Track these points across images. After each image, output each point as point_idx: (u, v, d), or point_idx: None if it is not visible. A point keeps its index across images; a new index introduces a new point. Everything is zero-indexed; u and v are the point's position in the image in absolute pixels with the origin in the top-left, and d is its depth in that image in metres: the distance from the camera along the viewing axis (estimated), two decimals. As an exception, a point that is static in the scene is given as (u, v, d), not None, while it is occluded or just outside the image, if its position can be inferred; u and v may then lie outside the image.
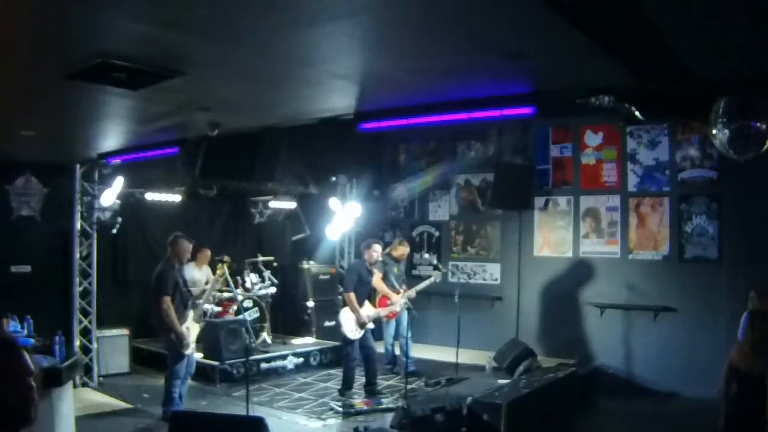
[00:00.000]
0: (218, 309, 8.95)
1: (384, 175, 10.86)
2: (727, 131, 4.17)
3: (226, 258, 6.91)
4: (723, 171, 7.85)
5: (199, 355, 8.40)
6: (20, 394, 1.73)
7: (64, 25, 3.32)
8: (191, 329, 6.47)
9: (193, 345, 6.51)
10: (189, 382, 7.86)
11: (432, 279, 8.51)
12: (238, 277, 9.31)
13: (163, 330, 6.45)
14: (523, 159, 9.41)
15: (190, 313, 6.52)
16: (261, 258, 9.84)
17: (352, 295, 7.43)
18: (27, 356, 1.79)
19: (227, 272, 6.69)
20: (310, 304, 10.14)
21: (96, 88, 4.46)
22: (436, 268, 9.08)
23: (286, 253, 11.07)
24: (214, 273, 9.05)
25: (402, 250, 8.80)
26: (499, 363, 8.33)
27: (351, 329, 7.40)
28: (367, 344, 7.54)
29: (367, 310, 7.60)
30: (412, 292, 8.35)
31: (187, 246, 6.76)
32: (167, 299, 6.30)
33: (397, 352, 8.80)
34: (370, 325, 7.63)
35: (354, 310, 7.41)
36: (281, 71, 4.34)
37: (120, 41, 3.57)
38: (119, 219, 8.26)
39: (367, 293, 7.72)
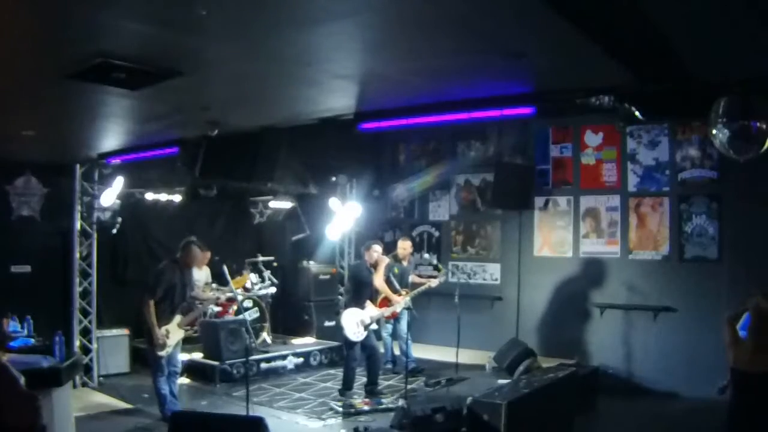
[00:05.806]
0: (218, 309, 8.95)
1: (384, 175, 10.84)
2: (727, 131, 4.17)
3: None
4: (723, 171, 7.84)
5: (199, 355, 8.43)
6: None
7: (63, 25, 3.31)
8: (172, 333, 6.46)
9: (168, 348, 6.45)
10: (189, 382, 7.90)
11: (429, 283, 8.34)
12: (238, 277, 9.30)
13: (143, 327, 6.53)
14: (523, 159, 9.40)
15: (177, 318, 6.53)
16: (261, 258, 9.83)
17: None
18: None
19: (227, 273, 6.73)
20: (311, 304, 10.13)
21: (96, 88, 4.46)
22: (436, 268, 9.05)
23: (286, 253, 11.05)
24: (213, 273, 9.07)
25: (401, 251, 8.69)
26: (499, 363, 8.33)
27: (353, 331, 7.39)
28: (369, 344, 7.53)
29: (370, 311, 7.59)
30: (408, 298, 8.13)
31: (197, 254, 6.84)
32: (151, 300, 6.34)
33: (397, 351, 8.80)
34: (374, 326, 7.63)
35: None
36: (281, 71, 4.34)
37: (120, 41, 3.57)
38: (119, 219, 8.25)
39: (369, 294, 7.71)
